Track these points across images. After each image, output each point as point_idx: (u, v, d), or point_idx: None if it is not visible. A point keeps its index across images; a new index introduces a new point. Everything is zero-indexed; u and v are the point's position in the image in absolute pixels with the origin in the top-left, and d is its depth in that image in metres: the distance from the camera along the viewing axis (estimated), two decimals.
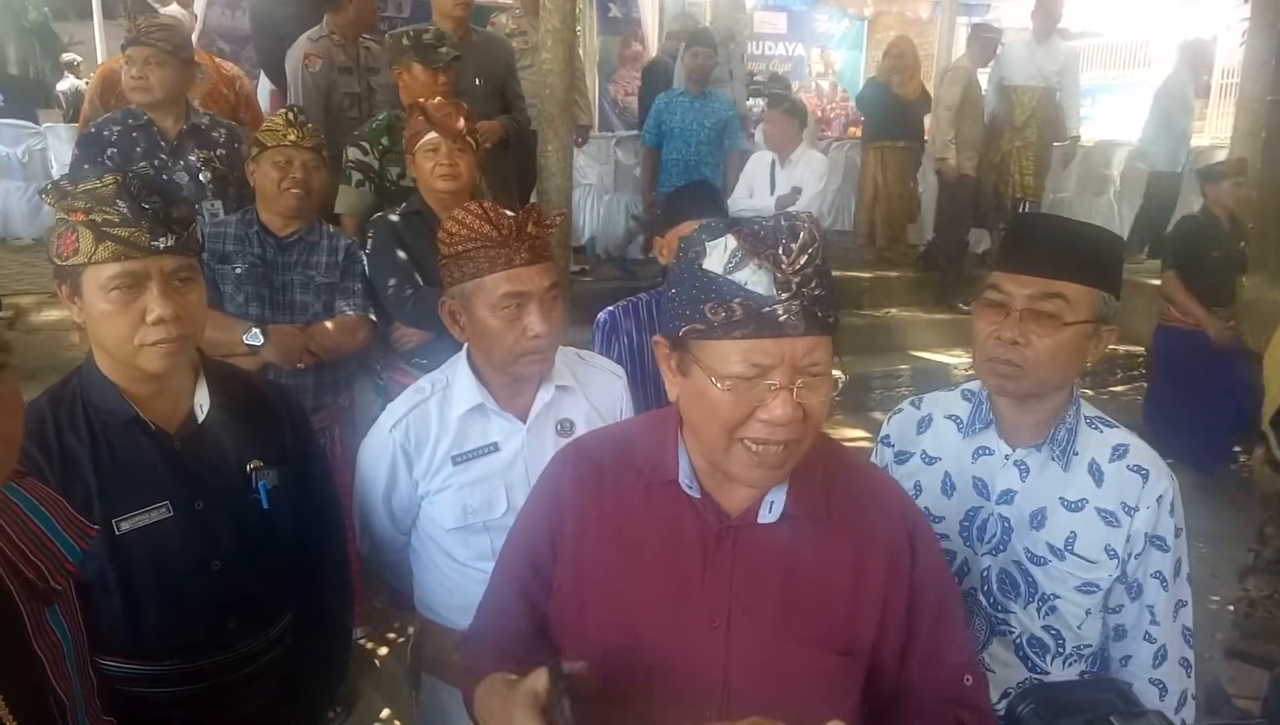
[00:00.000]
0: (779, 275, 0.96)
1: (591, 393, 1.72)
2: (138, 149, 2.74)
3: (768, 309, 0.96)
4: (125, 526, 1.34)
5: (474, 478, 1.61)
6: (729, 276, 0.97)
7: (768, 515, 1.10)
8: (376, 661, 2.95)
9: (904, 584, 1.12)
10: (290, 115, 2.40)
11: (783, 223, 0.98)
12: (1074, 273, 1.38)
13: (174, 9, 3.52)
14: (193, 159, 2.78)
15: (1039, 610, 1.47)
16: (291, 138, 2.36)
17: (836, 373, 1.04)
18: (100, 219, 1.27)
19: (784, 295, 0.96)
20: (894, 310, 6.25)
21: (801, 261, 0.96)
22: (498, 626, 1.23)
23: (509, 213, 1.55)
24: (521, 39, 4.12)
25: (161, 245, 1.29)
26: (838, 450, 1.21)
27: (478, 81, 3.68)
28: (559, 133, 3.53)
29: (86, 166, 2.71)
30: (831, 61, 11.07)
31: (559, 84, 3.48)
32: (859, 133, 9.19)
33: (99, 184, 1.27)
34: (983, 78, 6.27)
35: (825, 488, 1.13)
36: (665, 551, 1.11)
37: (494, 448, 1.63)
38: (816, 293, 0.97)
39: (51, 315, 4.31)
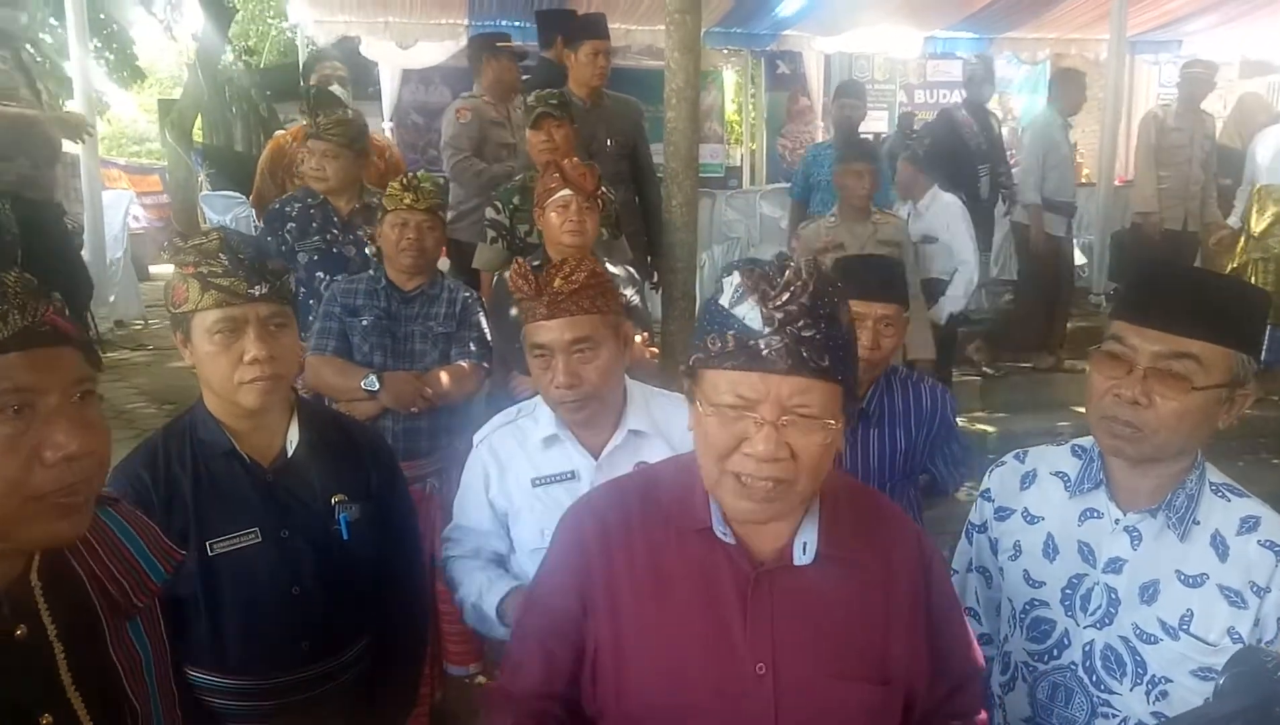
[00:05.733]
0: (764, 311, 0.99)
1: (673, 435, 1.72)
2: (313, 224, 3.01)
3: (753, 342, 0.99)
4: (217, 549, 1.46)
5: (554, 500, 1.65)
6: (730, 310, 1.02)
7: (802, 557, 1.11)
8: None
9: (924, 612, 1.16)
10: (406, 180, 2.57)
11: (776, 262, 1.02)
12: (1210, 331, 1.22)
13: (334, 89, 3.88)
14: (360, 234, 3.01)
15: (1148, 694, 1.31)
16: (407, 201, 2.51)
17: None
18: (206, 271, 1.42)
19: (768, 330, 0.99)
20: (1055, 363, 5.81)
21: (784, 299, 0.98)
22: (524, 697, 1.18)
23: (535, 271, 1.65)
24: None
25: (257, 292, 1.43)
26: (855, 486, 1.22)
27: (609, 142, 3.83)
28: (683, 188, 3.57)
29: (270, 238, 3.01)
30: (1011, 107, 10.62)
31: (683, 141, 3.54)
32: None
33: (205, 240, 1.43)
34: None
35: (852, 525, 1.15)
36: (702, 600, 1.11)
37: (572, 474, 1.69)
38: (805, 334, 0.99)
39: None
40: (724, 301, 1.03)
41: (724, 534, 1.11)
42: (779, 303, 0.98)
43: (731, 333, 1.00)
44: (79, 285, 4.11)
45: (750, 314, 1.00)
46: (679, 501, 1.15)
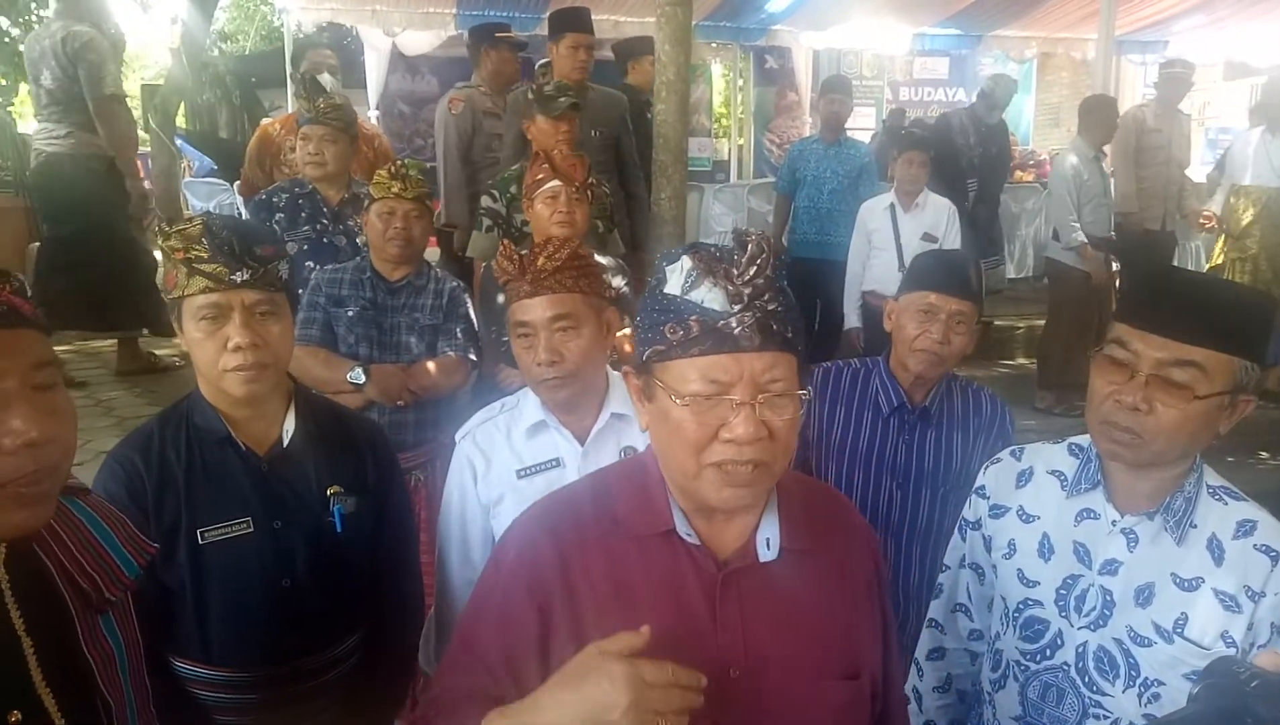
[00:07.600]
0: (731, 288, 0.97)
1: None
2: (302, 214, 2.96)
3: (722, 323, 0.97)
4: (208, 537, 1.44)
5: (537, 490, 1.62)
6: (685, 296, 0.99)
7: (767, 553, 1.08)
8: None
9: (878, 605, 1.16)
10: (394, 169, 2.53)
11: (733, 240, 1.00)
12: (1214, 339, 1.21)
13: (324, 78, 3.84)
14: (351, 224, 2.98)
15: (1140, 697, 1.31)
16: (395, 190, 2.47)
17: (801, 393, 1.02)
18: (192, 256, 1.40)
19: (737, 307, 0.97)
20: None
21: (751, 272, 0.97)
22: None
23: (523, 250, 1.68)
24: None
25: (239, 279, 1.40)
26: (802, 477, 1.21)
27: (594, 133, 3.82)
28: (672, 181, 3.59)
29: None
30: None
31: (673, 134, 3.55)
32: (1027, 177, 8.79)
33: (188, 225, 1.40)
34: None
35: (807, 517, 1.12)
36: (669, 605, 1.05)
37: (556, 463, 1.69)
38: (770, 307, 0.98)
39: None
40: (673, 290, 1.00)
41: (688, 535, 1.07)
42: (747, 277, 0.96)
43: (694, 318, 0.97)
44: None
45: (711, 296, 0.98)
46: (635, 508, 1.09)
